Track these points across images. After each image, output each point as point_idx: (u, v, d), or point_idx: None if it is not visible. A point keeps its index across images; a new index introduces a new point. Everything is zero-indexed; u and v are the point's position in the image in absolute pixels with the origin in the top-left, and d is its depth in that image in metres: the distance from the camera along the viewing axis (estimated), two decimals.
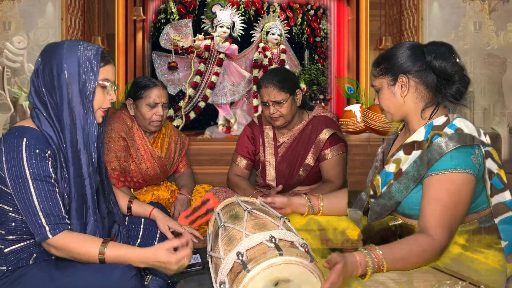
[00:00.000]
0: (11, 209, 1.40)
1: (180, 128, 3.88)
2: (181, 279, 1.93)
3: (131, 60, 4.73)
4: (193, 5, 4.49)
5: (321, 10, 4.93)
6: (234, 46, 4.20)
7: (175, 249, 1.39)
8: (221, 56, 4.15)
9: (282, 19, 4.55)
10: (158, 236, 1.80)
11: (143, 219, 1.83)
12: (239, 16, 4.40)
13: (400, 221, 1.47)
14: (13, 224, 1.41)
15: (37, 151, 1.34)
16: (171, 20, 4.44)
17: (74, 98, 1.38)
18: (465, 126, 1.36)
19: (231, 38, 4.31)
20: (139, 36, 4.80)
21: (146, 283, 1.63)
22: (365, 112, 3.60)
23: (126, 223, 1.78)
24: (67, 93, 1.37)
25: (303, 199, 1.75)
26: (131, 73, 4.71)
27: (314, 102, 4.48)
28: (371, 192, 1.54)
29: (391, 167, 1.46)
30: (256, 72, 4.25)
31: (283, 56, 4.41)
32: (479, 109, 3.80)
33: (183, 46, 4.12)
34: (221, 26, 4.20)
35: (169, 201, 2.45)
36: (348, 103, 4.61)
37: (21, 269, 1.41)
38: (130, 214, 1.83)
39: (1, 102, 3.46)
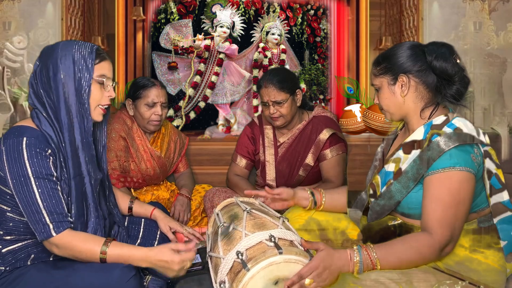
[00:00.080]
0: (10, 209, 1.40)
1: (180, 128, 3.88)
2: (181, 279, 1.92)
3: (131, 60, 4.73)
4: (193, 5, 4.49)
5: (321, 10, 4.94)
6: (234, 46, 4.20)
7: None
8: (221, 56, 4.15)
9: (282, 19, 4.55)
10: (158, 236, 1.80)
11: (143, 219, 1.83)
12: (239, 16, 4.40)
13: (399, 221, 1.47)
14: (11, 224, 1.41)
15: (38, 150, 1.34)
16: (171, 20, 4.44)
17: (70, 97, 1.39)
18: (464, 125, 1.37)
19: (231, 38, 4.31)
20: (139, 36, 4.80)
21: (145, 283, 1.63)
22: (365, 112, 3.60)
23: (125, 224, 1.78)
24: (63, 92, 1.38)
25: (306, 192, 1.75)
26: (131, 73, 4.71)
27: (314, 102, 4.48)
28: (371, 192, 1.54)
29: (390, 167, 1.46)
30: (256, 72, 4.25)
31: (283, 56, 4.41)
32: (479, 109, 3.80)
33: (183, 46, 4.12)
34: (221, 26, 4.20)
35: (169, 201, 2.45)
36: (348, 103, 4.61)
37: (19, 270, 1.40)
38: (131, 214, 1.83)
39: (1, 102, 3.46)
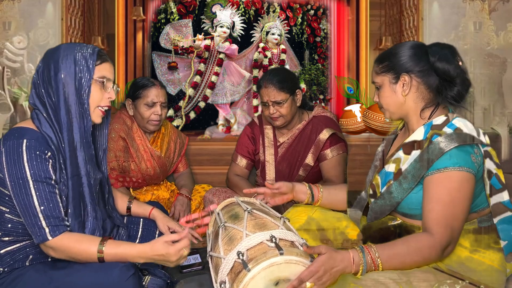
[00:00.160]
0: (8, 210, 1.40)
1: (180, 128, 3.88)
2: (181, 279, 1.93)
3: (131, 60, 4.73)
4: (193, 5, 4.49)
5: (321, 10, 4.94)
6: (234, 46, 4.20)
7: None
8: (221, 56, 4.15)
9: (282, 19, 4.55)
10: (157, 236, 1.80)
11: (141, 219, 1.83)
12: (239, 16, 4.40)
13: (399, 221, 1.47)
14: (9, 225, 1.41)
15: (38, 152, 1.34)
16: (171, 20, 4.44)
17: (70, 97, 1.39)
18: (464, 125, 1.37)
19: (231, 38, 4.31)
20: (139, 36, 4.80)
21: (145, 283, 1.63)
22: (365, 112, 3.60)
23: (125, 223, 1.78)
24: (63, 92, 1.38)
25: (304, 187, 1.76)
26: (131, 73, 4.71)
27: (314, 102, 4.48)
28: (371, 192, 1.54)
29: (391, 167, 1.46)
30: (256, 72, 4.25)
31: (283, 56, 4.41)
32: (479, 109, 3.80)
33: (183, 46, 4.12)
34: (221, 26, 4.20)
35: (169, 201, 2.45)
36: (348, 103, 4.61)
37: (17, 270, 1.40)
38: (129, 215, 1.83)
39: (1, 102, 3.46)
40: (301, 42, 4.85)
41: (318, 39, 4.92)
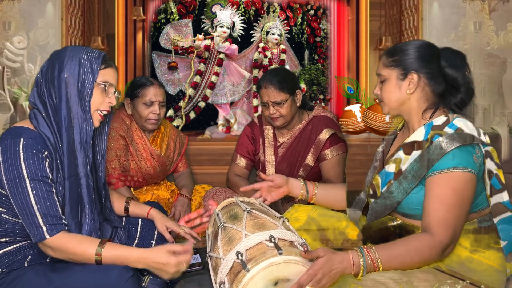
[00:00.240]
0: (5, 210, 1.40)
1: (180, 128, 3.88)
2: (181, 279, 1.93)
3: (131, 60, 4.73)
4: (193, 5, 4.49)
5: (321, 10, 4.93)
6: (234, 46, 4.20)
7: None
8: (221, 56, 4.15)
9: (282, 19, 4.55)
10: (155, 236, 1.80)
11: (140, 219, 1.82)
12: (239, 16, 4.40)
13: (399, 222, 1.47)
14: (6, 226, 1.41)
15: (35, 151, 1.34)
16: (171, 20, 4.44)
17: (72, 97, 1.40)
18: (465, 126, 1.37)
19: (231, 38, 4.31)
20: (139, 36, 4.80)
21: (144, 284, 1.63)
22: (365, 112, 3.60)
23: (123, 224, 1.78)
24: (65, 92, 1.39)
25: (298, 182, 1.77)
26: (131, 73, 4.71)
27: (314, 102, 4.48)
28: (371, 192, 1.54)
29: (391, 167, 1.46)
30: (256, 72, 4.25)
31: (283, 56, 4.41)
32: (479, 109, 3.80)
33: (183, 46, 4.11)
34: (221, 26, 4.20)
35: (169, 201, 2.45)
36: (348, 103, 4.61)
37: (16, 272, 1.40)
38: (128, 215, 1.83)
39: (1, 102, 3.46)
40: (301, 42, 4.85)
41: (318, 39, 4.92)
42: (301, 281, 1.16)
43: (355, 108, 3.86)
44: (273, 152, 2.38)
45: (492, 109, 3.82)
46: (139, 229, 1.80)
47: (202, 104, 4.14)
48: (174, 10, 4.46)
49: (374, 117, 3.47)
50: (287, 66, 4.41)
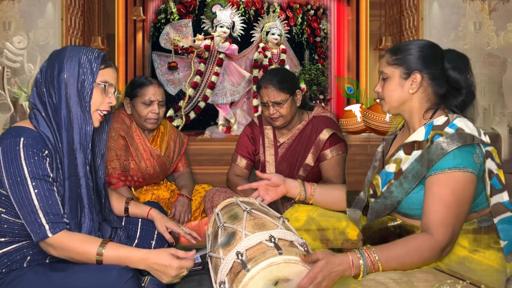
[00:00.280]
0: (4, 210, 1.39)
1: (180, 128, 3.88)
2: (181, 279, 1.92)
3: (131, 60, 4.73)
4: (193, 5, 4.49)
5: (321, 10, 4.94)
6: (234, 46, 4.20)
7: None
8: (221, 56, 4.15)
9: (282, 19, 4.55)
10: (155, 236, 1.80)
11: (140, 219, 1.82)
12: (239, 16, 4.40)
13: (399, 222, 1.47)
14: (6, 226, 1.41)
15: (35, 150, 1.34)
16: (171, 20, 4.44)
17: (72, 98, 1.40)
18: (466, 126, 1.36)
19: (231, 38, 4.31)
20: (139, 36, 4.80)
21: (144, 284, 1.63)
22: (365, 112, 3.60)
23: (123, 224, 1.78)
24: (65, 92, 1.39)
25: (296, 182, 1.76)
26: (131, 73, 4.71)
27: (314, 102, 4.48)
28: (371, 192, 1.54)
29: (391, 167, 1.46)
30: (256, 72, 4.25)
31: (283, 56, 4.41)
32: (479, 109, 3.80)
33: (183, 46, 4.12)
34: (221, 26, 4.20)
35: (169, 201, 2.45)
36: (348, 103, 4.61)
37: (15, 272, 1.40)
38: (127, 215, 1.83)
39: (1, 102, 3.46)
40: (301, 42, 4.85)
41: (318, 39, 4.92)
42: (301, 284, 1.16)
43: (355, 108, 3.87)
44: (273, 152, 2.38)
45: (492, 109, 3.82)
46: (139, 229, 1.80)
47: (202, 104, 4.14)
48: (174, 10, 4.47)
49: (374, 117, 3.47)
50: (287, 66, 4.41)
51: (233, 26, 4.33)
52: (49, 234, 1.33)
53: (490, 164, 1.38)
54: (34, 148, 1.34)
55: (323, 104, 4.65)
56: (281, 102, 2.22)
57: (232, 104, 4.27)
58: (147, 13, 4.73)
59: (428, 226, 1.31)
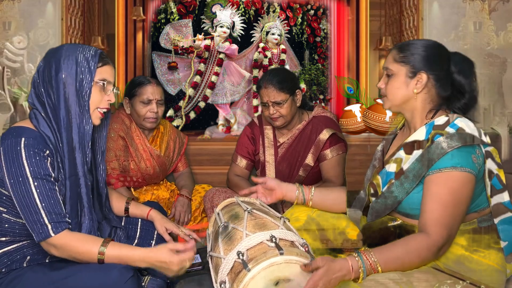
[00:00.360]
0: (5, 210, 1.39)
1: (180, 128, 3.88)
2: (181, 279, 1.93)
3: (131, 60, 4.73)
4: (193, 5, 4.49)
5: (321, 10, 4.94)
6: (234, 46, 4.20)
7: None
8: (221, 56, 4.15)
9: (282, 19, 4.55)
10: (155, 236, 1.80)
11: (140, 220, 1.82)
12: (239, 16, 4.40)
13: (399, 222, 1.47)
14: (6, 225, 1.41)
15: (36, 150, 1.34)
16: (171, 20, 4.44)
17: (70, 97, 1.39)
18: (466, 126, 1.36)
19: (231, 38, 4.31)
20: (139, 36, 4.80)
21: (144, 284, 1.63)
22: (365, 112, 3.60)
23: (123, 224, 1.78)
24: (63, 92, 1.38)
25: (294, 186, 1.75)
26: (131, 73, 4.71)
27: (314, 102, 4.48)
28: (372, 191, 1.54)
29: (391, 167, 1.46)
30: (256, 72, 4.25)
31: (283, 56, 4.41)
32: (479, 109, 3.80)
33: (183, 46, 4.12)
34: (221, 26, 4.20)
35: (169, 201, 2.45)
36: (348, 103, 4.61)
37: (15, 272, 1.40)
38: (127, 215, 1.83)
39: (1, 102, 3.46)
40: (301, 42, 4.85)
41: (318, 39, 4.92)
42: None
43: (355, 108, 3.87)
44: (273, 152, 2.38)
45: (492, 109, 3.82)
46: (138, 229, 1.80)
47: (202, 104, 4.14)
48: (174, 10, 4.47)
49: (374, 117, 3.47)
50: (287, 66, 4.41)
51: (233, 26, 4.33)
52: (52, 234, 1.33)
53: (490, 164, 1.38)
54: (35, 148, 1.34)
55: (323, 104, 4.65)
56: (281, 102, 2.22)
57: (232, 104, 4.27)
58: (147, 13, 4.73)
59: (425, 226, 1.31)
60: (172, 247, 1.37)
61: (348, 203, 1.74)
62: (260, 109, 3.70)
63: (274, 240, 1.19)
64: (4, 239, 1.42)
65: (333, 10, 5.02)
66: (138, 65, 4.83)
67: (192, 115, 4.13)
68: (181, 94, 4.22)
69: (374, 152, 1.65)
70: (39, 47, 3.63)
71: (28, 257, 1.43)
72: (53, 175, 1.37)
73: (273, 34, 4.35)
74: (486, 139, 1.39)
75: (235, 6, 4.40)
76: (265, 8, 4.59)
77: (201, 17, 4.43)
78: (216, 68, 4.14)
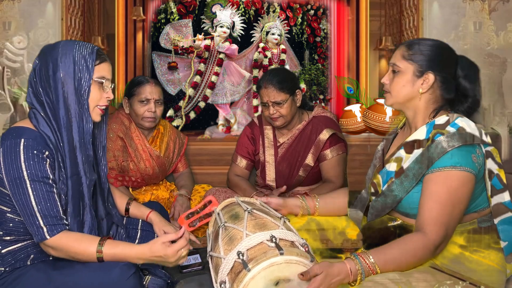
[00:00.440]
0: (9, 210, 1.40)
1: (180, 128, 3.88)
2: (181, 279, 1.93)
3: (131, 60, 4.73)
4: (193, 5, 4.49)
5: (321, 10, 4.94)
6: (234, 46, 4.20)
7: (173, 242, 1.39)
8: (221, 56, 4.15)
9: (282, 19, 4.55)
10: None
11: (140, 221, 1.83)
12: (239, 16, 4.40)
13: (399, 222, 1.47)
14: (11, 225, 1.41)
15: (35, 152, 1.34)
16: (171, 20, 4.44)
17: (69, 96, 1.39)
18: (467, 125, 1.36)
19: (231, 38, 4.31)
20: (139, 36, 4.80)
21: (145, 283, 1.63)
22: (365, 112, 3.60)
23: (124, 223, 1.78)
24: (62, 92, 1.38)
25: (298, 200, 1.73)
26: (131, 73, 4.71)
27: (314, 102, 4.48)
28: (372, 190, 1.54)
29: (392, 166, 1.46)
30: (256, 72, 4.25)
31: (283, 56, 4.41)
32: (479, 109, 3.79)
33: (183, 46, 4.12)
34: (221, 26, 4.20)
35: (169, 201, 2.45)
36: (348, 103, 4.61)
37: (18, 270, 1.40)
38: (128, 216, 1.83)
39: (1, 102, 3.46)
40: (301, 42, 4.85)
41: (318, 39, 4.92)
42: None
43: (355, 108, 3.87)
44: (273, 152, 2.38)
45: (492, 109, 3.82)
46: (139, 231, 1.80)
47: (202, 104, 4.14)
48: (174, 10, 4.47)
49: (374, 117, 3.47)
50: (287, 66, 4.41)
51: (233, 26, 4.33)
52: (47, 236, 1.33)
53: (490, 164, 1.38)
54: (34, 149, 1.34)
55: (323, 104, 4.65)
56: (281, 102, 2.22)
57: (232, 104, 4.27)
58: (147, 13, 4.73)
59: (422, 225, 1.31)
60: (164, 240, 1.38)
61: (349, 203, 1.74)
62: (260, 109, 3.70)
63: (274, 240, 1.19)
64: (8, 238, 1.42)
65: (333, 10, 5.02)
66: (138, 65, 4.83)
67: (192, 115, 4.13)
68: (181, 94, 4.22)
69: (374, 152, 1.65)
70: (39, 47, 3.59)
71: (32, 256, 1.43)
72: (51, 177, 1.37)
73: (273, 34, 4.35)
74: (487, 139, 1.39)
75: (235, 6, 4.41)
76: (265, 8, 4.59)
77: (201, 17, 4.43)
78: (216, 68, 4.14)
